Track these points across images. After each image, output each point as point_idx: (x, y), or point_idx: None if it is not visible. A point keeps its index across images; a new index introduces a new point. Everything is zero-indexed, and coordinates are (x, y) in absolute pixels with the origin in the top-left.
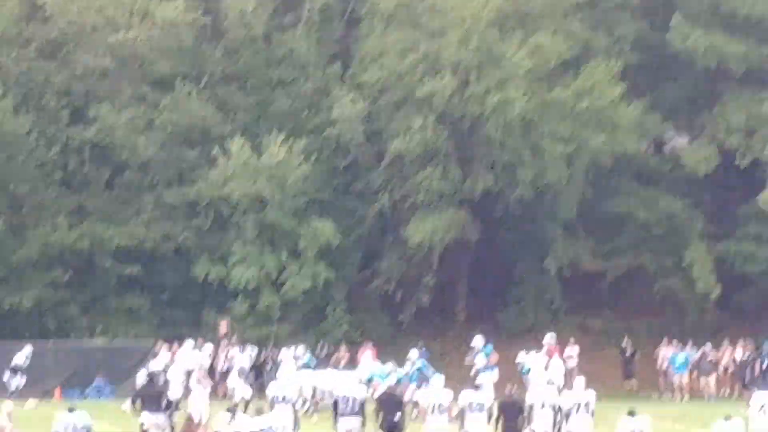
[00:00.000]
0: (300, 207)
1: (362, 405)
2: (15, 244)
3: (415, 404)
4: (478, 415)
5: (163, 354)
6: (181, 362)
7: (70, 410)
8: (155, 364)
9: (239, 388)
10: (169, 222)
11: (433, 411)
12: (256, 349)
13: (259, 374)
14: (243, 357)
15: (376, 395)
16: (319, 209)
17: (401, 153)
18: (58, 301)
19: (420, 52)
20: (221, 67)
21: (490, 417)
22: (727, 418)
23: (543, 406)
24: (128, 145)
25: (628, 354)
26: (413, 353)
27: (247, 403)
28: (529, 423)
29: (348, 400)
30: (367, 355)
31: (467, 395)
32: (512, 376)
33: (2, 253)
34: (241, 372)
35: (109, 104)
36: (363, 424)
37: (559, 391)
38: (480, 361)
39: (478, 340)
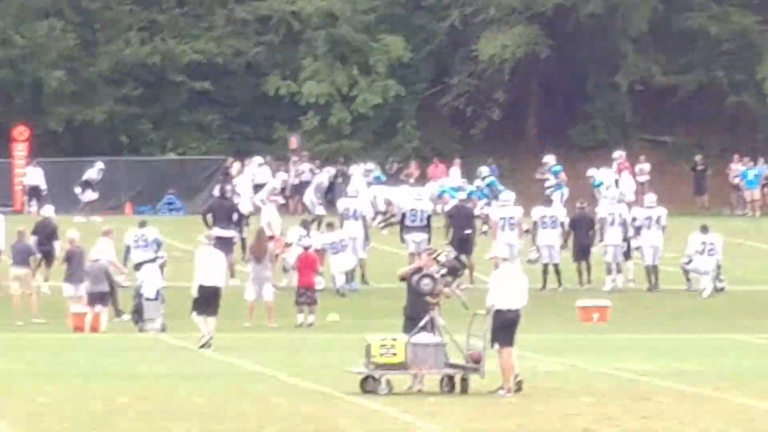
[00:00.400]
0: (371, 22)
1: (429, 219)
2: (87, 60)
3: (486, 219)
4: (550, 231)
5: (236, 171)
6: (249, 178)
7: (141, 225)
8: (235, 182)
9: (315, 204)
10: (240, 37)
11: (503, 227)
12: (333, 170)
13: (330, 190)
14: (322, 174)
15: (446, 210)
16: (389, 25)
17: None
18: (129, 117)
19: None
20: None
21: (562, 231)
22: None
23: (613, 221)
24: None
25: (699, 170)
26: (483, 169)
27: (320, 220)
28: (600, 238)
29: (416, 214)
30: (453, 171)
31: (539, 210)
32: (583, 192)
33: (75, 68)
34: (318, 189)
35: None
36: (429, 238)
37: (630, 206)
38: (549, 180)
39: (549, 158)
